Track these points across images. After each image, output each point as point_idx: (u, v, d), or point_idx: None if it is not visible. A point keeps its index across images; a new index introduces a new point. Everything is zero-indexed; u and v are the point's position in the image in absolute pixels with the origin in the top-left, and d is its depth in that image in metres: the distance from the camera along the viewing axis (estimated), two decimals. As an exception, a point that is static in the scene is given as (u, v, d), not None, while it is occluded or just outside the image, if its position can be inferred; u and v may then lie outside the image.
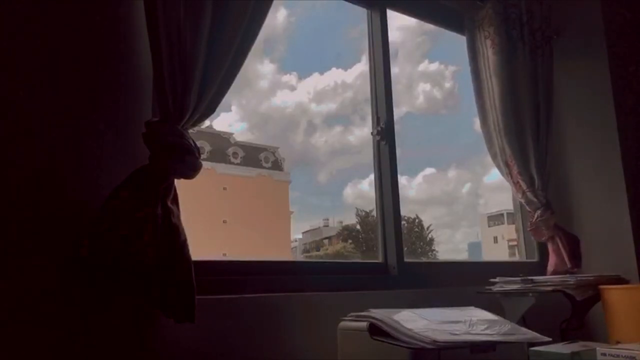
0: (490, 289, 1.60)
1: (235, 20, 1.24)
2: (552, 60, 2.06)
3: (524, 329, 1.18)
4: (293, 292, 1.38)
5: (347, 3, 1.85)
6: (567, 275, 1.72)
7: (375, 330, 1.09)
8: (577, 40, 2.07)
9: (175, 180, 1.13)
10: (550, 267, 1.89)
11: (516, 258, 2.28)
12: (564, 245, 1.85)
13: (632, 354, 1.05)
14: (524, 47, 1.98)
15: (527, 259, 2.14)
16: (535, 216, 1.89)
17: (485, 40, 1.95)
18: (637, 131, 1.94)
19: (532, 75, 1.98)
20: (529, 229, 1.93)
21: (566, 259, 1.84)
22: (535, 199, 1.88)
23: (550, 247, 1.90)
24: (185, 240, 1.07)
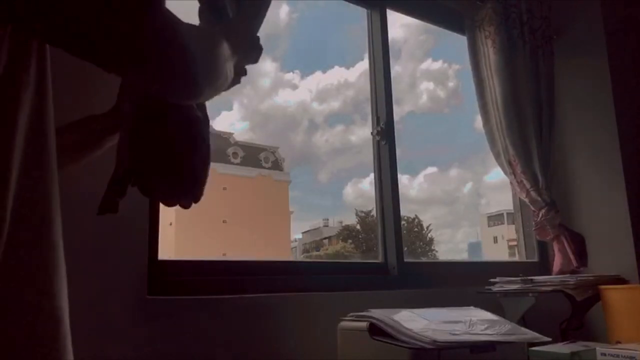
0: (490, 289, 1.60)
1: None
2: (553, 59, 2.06)
3: (524, 329, 1.18)
4: (293, 292, 1.38)
5: (347, 2, 1.85)
6: (567, 275, 1.72)
7: (375, 330, 1.09)
8: (577, 40, 2.07)
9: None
10: (556, 266, 1.88)
11: (516, 258, 2.28)
12: (569, 244, 1.85)
13: (632, 354, 1.05)
14: (524, 47, 1.98)
15: (527, 259, 2.13)
16: (540, 215, 1.88)
17: (486, 40, 1.95)
18: (637, 131, 1.95)
19: (533, 75, 1.98)
20: (533, 229, 1.93)
21: (572, 258, 1.84)
22: (539, 198, 1.88)
23: (555, 246, 1.90)
24: None
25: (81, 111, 0.83)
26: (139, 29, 0.50)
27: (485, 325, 1.13)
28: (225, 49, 0.67)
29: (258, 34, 0.87)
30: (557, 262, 1.89)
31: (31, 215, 0.51)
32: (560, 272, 1.84)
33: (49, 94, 0.54)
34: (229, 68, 0.68)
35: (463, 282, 1.67)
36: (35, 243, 0.51)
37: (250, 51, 0.82)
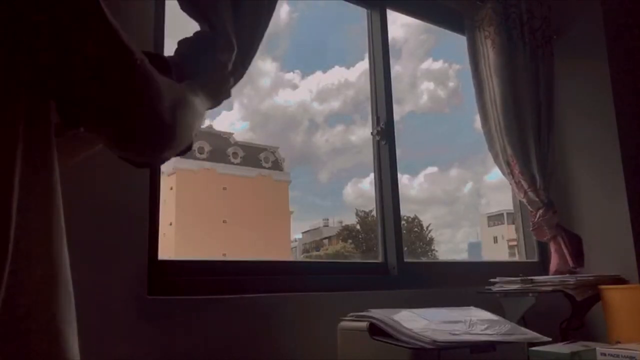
0: (490, 289, 1.60)
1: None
2: (553, 60, 2.06)
3: (524, 329, 1.18)
4: (293, 292, 1.38)
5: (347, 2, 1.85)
6: (567, 275, 1.72)
7: (375, 330, 1.09)
8: (577, 40, 2.07)
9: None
10: (553, 267, 1.88)
11: (516, 258, 2.28)
12: (566, 245, 1.85)
13: (632, 354, 1.05)
14: (524, 47, 1.98)
15: (527, 259, 2.13)
16: (537, 216, 1.88)
17: (486, 40, 1.95)
18: (637, 131, 1.95)
19: (533, 75, 1.98)
20: (531, 229, 1.93)
21: (569, 258, 1.84)
22: (536, 199, 1.88)
23: (552, 246, 1.90)
24: None
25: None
26: (116, 82, 0.53)
27: (485, 325, 1.13)
28: (201, 106, 0.73)
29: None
30: (553, 263, 1.89)
31: (37, 219, 0.51)
32: (557, 272, 1.84)
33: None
34: (197, 123, 0.72)
35: (463, 282, 1.67)
36: (42, 253, 0.51)
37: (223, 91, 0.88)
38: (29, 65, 0.48)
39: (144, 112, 0.56)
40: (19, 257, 0.47)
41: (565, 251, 1.85)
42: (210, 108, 0.84)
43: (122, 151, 0.63)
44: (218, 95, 0.86)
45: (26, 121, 0.50)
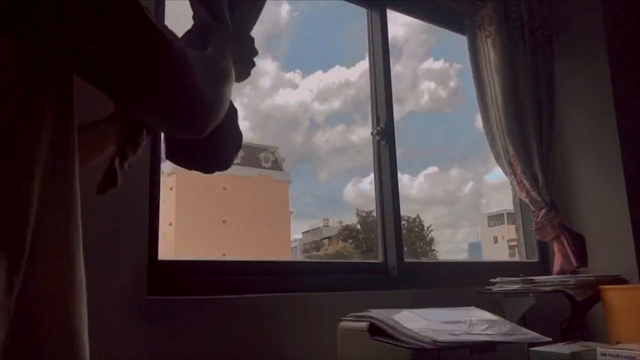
0: (490, 289, 1.60)
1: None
2: (553, 59, 2.06)
3: (524, 329, 1.18)
4: (293, 292, 1.38)
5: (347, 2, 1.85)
6: (567, 275, 1.72)
7: (375, 330, 1.09)
8: (577, 40, 2.07)
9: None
10: (556, 266, 1.88)
11: (516, 258, 2.28)
12: (569, 245, 1.85)
13: (632, 354, 1.05)
14: (524, 47, 1.98)
15: (527, 259, 2.13)
16: (540, 215, 1.88)
17: (486, 40, 1.95)
18: (637, 130, 1.95)
19: (533, 75, 1.98)
20: (534, 229, 1.93)
21: (572, 258, 1.84)
22: (539, 198, 1.88)
23: (555, 246, 1.90)
24: None
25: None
26: (155, 64, 0.54)
27: (485, 325, 1.13)
28: (230, 70, 0.73)
29: (254, 35, 0.92)
30: (557, 262, 1.89)
31: (56, 217, 0.51)
32: (561, 272, 1.84)
33: (72, 98, 0.55)
34: (230, 91, 0.73)
35: (463, 282, 1.67)
36: (58, 251, 0.51)
37: (248, 56, 0.88)
38: (66, 53, 0.49)
39: (182, 90, 0.58)
40: (36, 255, 0.47)
41: (569, 250, 1.85)
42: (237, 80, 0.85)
43: (169, 130, 0.66)
44: (239, 62, 0.87)
45: (53, 117, 0.51)
